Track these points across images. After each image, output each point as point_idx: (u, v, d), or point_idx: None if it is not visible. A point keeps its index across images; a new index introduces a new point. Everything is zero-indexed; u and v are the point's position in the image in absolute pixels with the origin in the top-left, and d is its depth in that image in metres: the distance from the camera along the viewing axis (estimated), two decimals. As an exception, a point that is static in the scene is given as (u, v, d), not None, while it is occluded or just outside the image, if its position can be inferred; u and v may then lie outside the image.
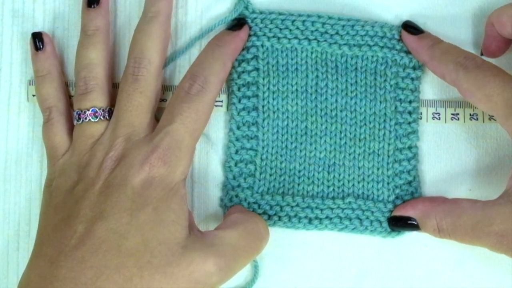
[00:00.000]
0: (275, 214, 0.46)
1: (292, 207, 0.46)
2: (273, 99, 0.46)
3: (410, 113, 0.47)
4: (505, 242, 0.39)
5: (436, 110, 0.47)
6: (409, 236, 0.47)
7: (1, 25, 0.48)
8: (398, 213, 0.45)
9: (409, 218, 0.44)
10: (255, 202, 0.46)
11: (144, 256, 0.37)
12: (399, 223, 0.45)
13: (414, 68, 0.46)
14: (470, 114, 0.47)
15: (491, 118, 0.46)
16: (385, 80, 0.46)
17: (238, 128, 0.47)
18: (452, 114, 0.47)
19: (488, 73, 0.41)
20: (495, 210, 0.40)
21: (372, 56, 0.46)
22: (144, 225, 0.38)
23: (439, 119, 0.47)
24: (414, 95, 0.46)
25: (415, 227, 0.44)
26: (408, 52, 0.46)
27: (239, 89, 0.46)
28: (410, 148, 0.47)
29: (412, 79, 0.46)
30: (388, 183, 0.46)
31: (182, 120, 0.40)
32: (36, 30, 0.48)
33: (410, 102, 0.46)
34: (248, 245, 0.40)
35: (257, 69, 0.46)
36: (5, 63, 0.48)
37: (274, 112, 0.46)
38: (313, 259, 0.47)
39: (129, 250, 0.37)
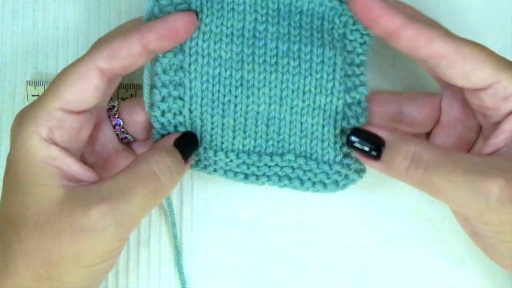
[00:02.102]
0: (209, 165, 0.43)
1: (226, 162, 0.43)
2: (203, 41, 0.41)
3: (358, 65, 0.42)
4: (509, 191, 0.35)
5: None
6: (409, 236, 0.47)
7: (1, 25, 0.48)
8: (368, 128, 0.40)
9: (379, 140, 0.39)
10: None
11: (19, 220, 0.36)
12: (359, 143, 0.39)
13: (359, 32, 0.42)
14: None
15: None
16: (332, 28, 0.42)
17: (164, 72, 0.42)
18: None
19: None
20: (499, 160, 0.37)
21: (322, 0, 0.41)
22: (10, 191, 0.37)
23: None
24: (363, 48, 0.42)
25: (374, 158, 0.39)
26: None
27: None
28: (359, 103, 0.42)
29: (362, 34, 0.42)
30: (335, 143, 0.42)
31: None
32: (36, 30, 0.48)
33: (358, 54, 0.42)
34: (137, 188, 0.37)
35: (187, 3, 0.41)
36: (5, 63, 0.48)
37: (203, 57, 0.41)
38: (313, 259, 0.47)
39: (4, 218, 0.37)
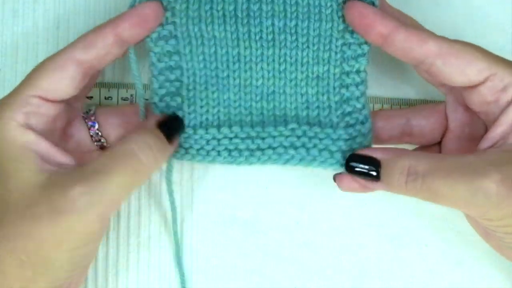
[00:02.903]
0: (213, 149, 0.42)
1: (230, 139, 0.42)
2: (194, 25, 0.41)
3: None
4: (508, 182, 0.35)
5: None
6: (409, 236, 0.47)
7: (2, 25, 0.48)
8: (363, 152, 0.41)
9: (375, 161, 0.39)
10: (188, 138, 0.42)
11: (1, 207, 0.37)
12: (358, 166, 0.40)
13: None
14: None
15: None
16: (331, 0, 0.42)
17: (159, 60, 0.42)
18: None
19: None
20: (494, 154, 0.37)
21: None
22: None
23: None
24: None
25: (374, 177, 0.39)
26: None
27: None
28: (358, 72, 0.42)
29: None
30: (336, 110, 0.43)
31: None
32: (36, 30, 0.48)
33: None
34: (116, 168, 0.37)
35: None
36: (5, 63, 0.48)
37: (197, 39, 0.42)
38: (313, 259, 0.47)
39: None
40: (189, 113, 0.43)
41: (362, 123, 0.42)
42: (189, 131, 0.42)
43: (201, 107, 0.43)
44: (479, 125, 0.42)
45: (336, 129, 0.42)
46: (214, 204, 0.47)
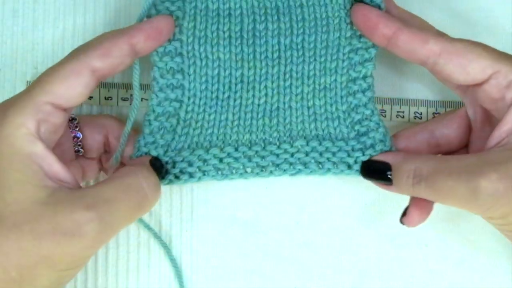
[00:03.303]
0: (199, 169, 0.42)
1: (220, 159, 0.42)
2: (200, 45, 0.42)
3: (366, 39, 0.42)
4: (505, 180, 0.35)
5: (436, 110, 0.47)
6: (409, 236, 0.47)
7: (2, 25, 0.48)
8: (375, 158, 0.42)
9: (386, 166, 0.41)
10: (169, 161, 0.42)
11: None
12: (373, 171, 0.42)
13: None
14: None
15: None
16: (339, 9, 0.42)
17: (162, 76, 0.42)
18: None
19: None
20: (494, 153, 0.38)
21: None
22: None
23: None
24: None
25: (387, 180, 0.41)
26: None
27: None
28: (365, 77, 0.42)
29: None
30: (344, 119, 0.43)
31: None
32: (36, 30, 0.48)
33: None
34: (124, 199, 0.37)
35: (182, 10, 0.41)
36: (5, 63, 0.48)
37: (201, 60, 0.42)
38: (313, 259, 0.47)
39: None
40: (180, 136, 0.42)
41: (375, 129, 0.42)
42: (170, 154, 0.42)
43: (194, 129, 0.42)
44: (497, 122, 0.42)
45: (348, 141, 0.42)
46: (214, 204, 0.47)
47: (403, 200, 0.47)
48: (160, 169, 0.41)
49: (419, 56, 0.39)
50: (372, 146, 0.42)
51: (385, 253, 0.47)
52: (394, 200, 0.47)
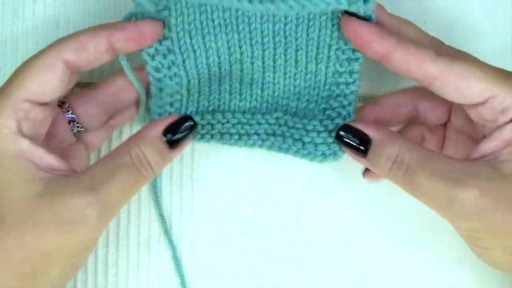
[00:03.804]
0: (207, 133, 0.45)
1: (222, 124, 0.45)
2: (191, 38, 0.42)
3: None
4: (485, 198, 0.35)
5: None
6: (409, 236, 0.47)
7: (2, 25, 0.48)
8: (357, 125, 0.41)
9: (366, 138, 0.39)
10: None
11: None
12: (350, 137, 0.40)
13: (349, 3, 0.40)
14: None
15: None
16: (327, 19, 0.42)
17: (157, 71, 0.42)
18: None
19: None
20: (479, 167, 0.37)
21: None
22: None
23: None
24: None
25: (361, 152, 0.40)
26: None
27: None
28: (351, 73, 0.43)
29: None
30: (320, 104, 0.44)
31: None
32: (36, 30, 0.48)
33: None
34: (119, 178, 0.37)
35: (167, 8, 0.41)
36: (5, 63, 0.48)
37: (194, 52, 0.43)
38: (313, 259, 0.47)
39: None
40: (187, 103, 0.44)
41: (344, 118, 0.43)
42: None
43: (198, 99, 0.44)
44: (478, 129, 0.42)
45: (322, 120, 0.44)
46: (214, 204, 0.47)
47: (403, 200, 0.47)
48: (176, 135, 0.40)
49: (415, 76, 0.38)
50: (330, 132, 0.43)
51: (385, 253, 0.47)
52: (394, 200, 0.47)
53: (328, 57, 0.43)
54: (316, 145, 0.44)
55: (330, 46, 0.43)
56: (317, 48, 0.43)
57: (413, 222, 0.47)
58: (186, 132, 0.40)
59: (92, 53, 0.38)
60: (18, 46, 0.48)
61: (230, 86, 0.45)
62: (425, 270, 0.47)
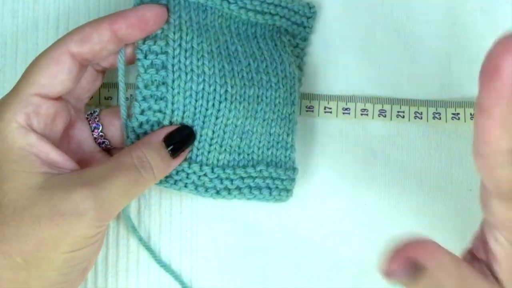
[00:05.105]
0: (180, 180, 0.43)
1: (199, 176, 0.43)
2: (186, 58, 0.41)
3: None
4: None
5: (436, 110, 0.47)
6: (409, 236, 0.47)
7: (1, 25, 0.48)
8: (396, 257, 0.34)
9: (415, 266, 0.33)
10: None
11: None
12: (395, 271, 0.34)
13: (302, 39, 0.46)
14: (471, 114, 0.47)
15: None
16: (284, 46, 0.45)
17: (146, 87, 0.41)
18: (453, 114, 0.47)
19: None
20: None
21: (269, 25, 0.45)
22: None
23: (440, 118, 0.47)
24: (304, 43, 0.47)
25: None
26: (297, 24, 0.46)
27: (144, 42, 0.41)
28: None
29: (301, 48, 0.47)
30: (293, 150, 0.45)
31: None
32: (36, 30, 0.48)
33: (302, 49, 0.47)
34: (118, 175, 0.37)
35: (167, 22, 0.41)
36: (5, 63, 0.48)
37: (187, 73, 0.41)
38: (313, 259, 0.47)
39: None
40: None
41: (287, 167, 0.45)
42: None
43: None
44: None
45: (295, 170, 0.45)
46: (214, 204, 0.47)
47: (403, 200, 0.47)
48: (176, 143, 0.40)
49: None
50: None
51: (385, 253, 0.47)
52: (394, 200, 0.47)
53: (299, 94, 0.45)
54: (270, 189, 0.45)
55: (299, 79, 0.45)
56: (290, 87, 0.44)
57: (413, 222, 0.47)
58: (186, 140, 0.41)
59: (97, 43, 0.39)
60: (18, 46, 0.48)
61: (213, 132, 0.42)
62: (425, 270, 0.47)
